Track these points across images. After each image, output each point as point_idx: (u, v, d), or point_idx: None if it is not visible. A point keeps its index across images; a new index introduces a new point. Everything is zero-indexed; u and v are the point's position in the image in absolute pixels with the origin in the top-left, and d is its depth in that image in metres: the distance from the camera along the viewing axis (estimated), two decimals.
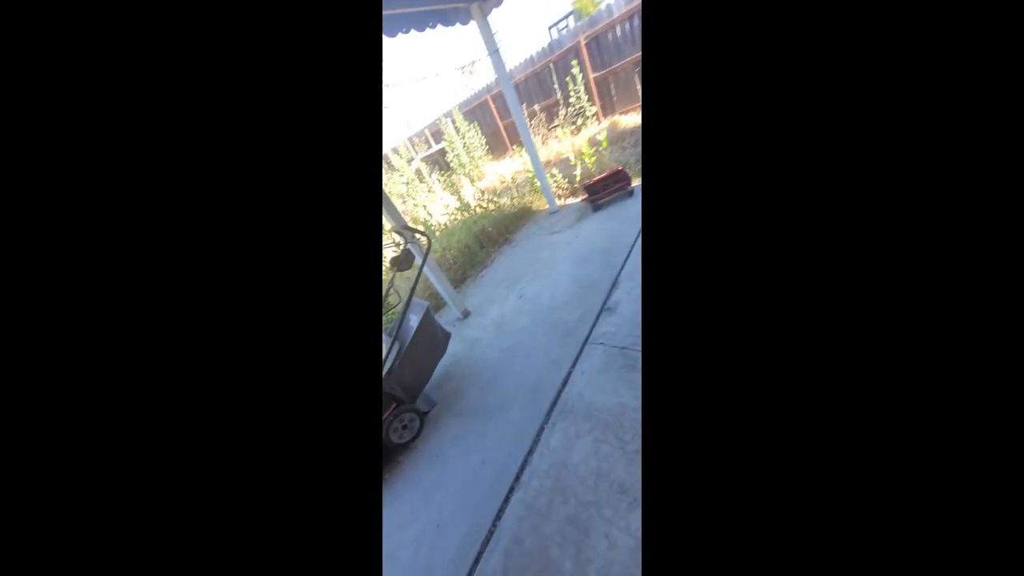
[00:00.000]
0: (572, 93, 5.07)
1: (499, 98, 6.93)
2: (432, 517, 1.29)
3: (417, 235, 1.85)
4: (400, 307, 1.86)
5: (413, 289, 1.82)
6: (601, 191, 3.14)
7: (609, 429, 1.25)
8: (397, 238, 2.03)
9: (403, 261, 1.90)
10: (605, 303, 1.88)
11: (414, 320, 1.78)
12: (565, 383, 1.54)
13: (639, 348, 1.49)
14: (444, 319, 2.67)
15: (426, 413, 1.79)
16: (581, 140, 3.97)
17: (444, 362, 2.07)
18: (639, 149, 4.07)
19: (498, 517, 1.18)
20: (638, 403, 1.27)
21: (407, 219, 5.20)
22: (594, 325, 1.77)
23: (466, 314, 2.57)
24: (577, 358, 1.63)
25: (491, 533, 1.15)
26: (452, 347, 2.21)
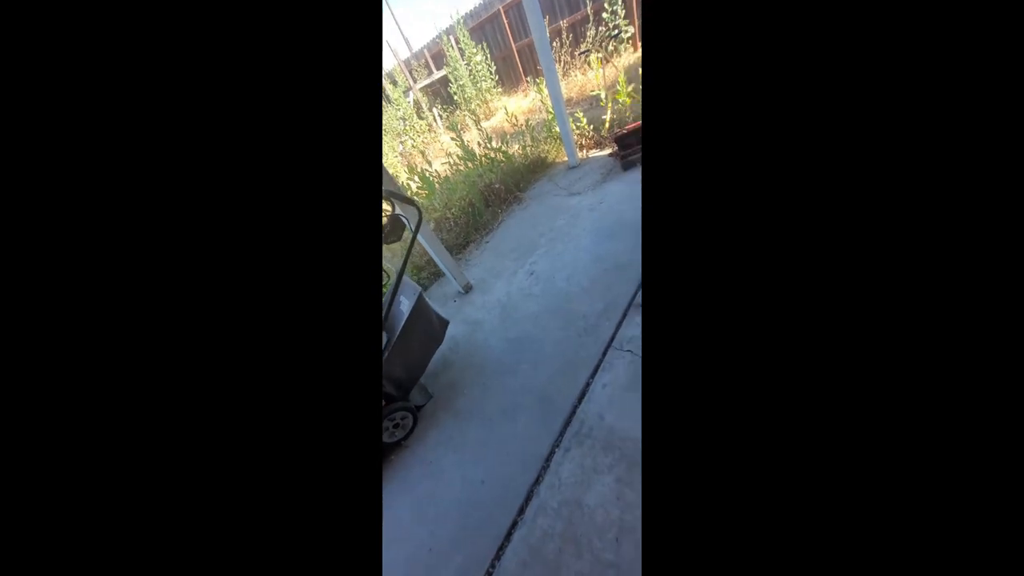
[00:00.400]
0: (607, 6, 4.02)
1: (514, 10, 5.67)
2: (424, 540, 1.16)
3: (407, 204, 1.46)
4: (388, 289, 1.56)
5: (403, 269, 1.50)
6: (635, 144, 2.58)
7: (636, 469, 1.04)
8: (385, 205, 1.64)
9: (390, 232, 1.54)
10: (634, 297, 1.56)
11: (405, 305, 1.50)
12: (582, 397, 1.30)
13: None
14: (443, 292, 2.38)
15: (421, 407, 1.61)
16: (614, 72, 3.18)
17: (442, 347, 1.84)
18: None
19: (497, 557, 1.03)
20: None
21: (402, 173, 4.60)
22: (620, 325, 1.48)
23: (468, 288, 2.28)
24: (598, 366, 1.37)
25: (489, 575, 1.01)
26: (452, 329, 1.96)
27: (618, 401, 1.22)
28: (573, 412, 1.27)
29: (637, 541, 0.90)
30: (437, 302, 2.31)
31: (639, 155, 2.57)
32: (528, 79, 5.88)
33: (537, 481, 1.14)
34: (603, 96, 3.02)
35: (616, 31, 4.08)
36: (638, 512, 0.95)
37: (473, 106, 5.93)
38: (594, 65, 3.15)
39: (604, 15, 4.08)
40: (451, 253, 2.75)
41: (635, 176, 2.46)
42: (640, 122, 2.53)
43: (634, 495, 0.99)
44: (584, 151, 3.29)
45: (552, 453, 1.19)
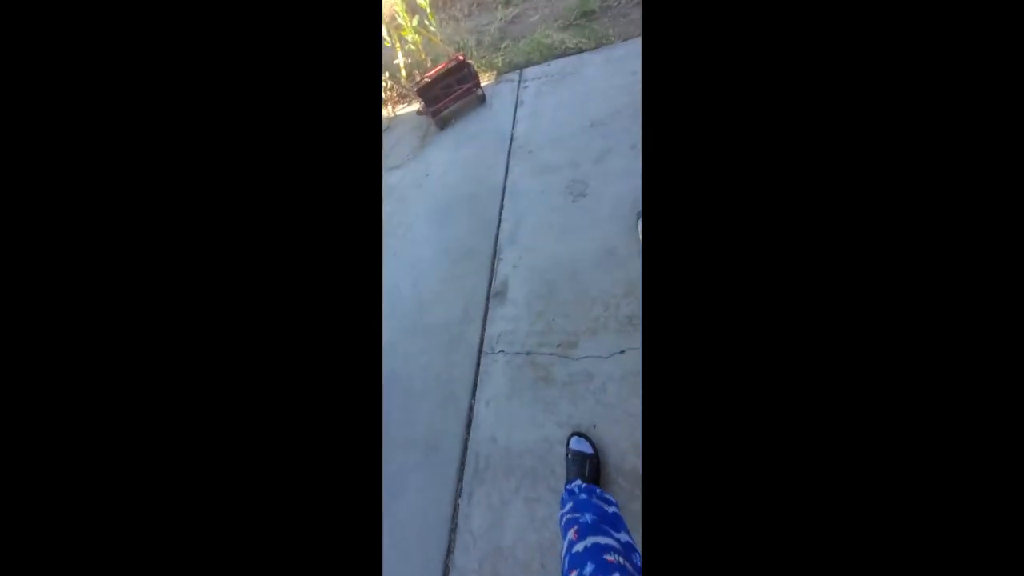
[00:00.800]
0: None
1: None
2: None
3: None
4: None
5: None
6: (443, 97, 2.24)
7: (539, 480, 1.00)
8: None
9: None
10: (491, 286, 1.43)
11: None
12: (469, 426, 1.15)
13: (547, 350, 1.19)
14: None
15: None
16: (391, 3, 2.58)
17: None
18: (478, 21, 3.06)
19: None
20: (563, 432, 1.03)
21: None
22: (484, 324, 1.34)
23: None
24: (475, 382, 1.22)
25: None
26: None
27: (504, 413, 1.13)
28: (465, 448, 1.12)
29: (558, 555, 0.88)
30: None
31: (451, 109, 2.28)
32: None
33: (449, 550, 0.98)
34: (386, 34, 2.44)
35: None
36: (552, 527, 0.92)
37: None
38: None
39: None
40: None
41: (455, 136, 2.19)
42: (439, 67, 2.18)
43: (544, 509, 0.95)
44: (390, 107, 2.74)
45: (456, 509, 1.03)
